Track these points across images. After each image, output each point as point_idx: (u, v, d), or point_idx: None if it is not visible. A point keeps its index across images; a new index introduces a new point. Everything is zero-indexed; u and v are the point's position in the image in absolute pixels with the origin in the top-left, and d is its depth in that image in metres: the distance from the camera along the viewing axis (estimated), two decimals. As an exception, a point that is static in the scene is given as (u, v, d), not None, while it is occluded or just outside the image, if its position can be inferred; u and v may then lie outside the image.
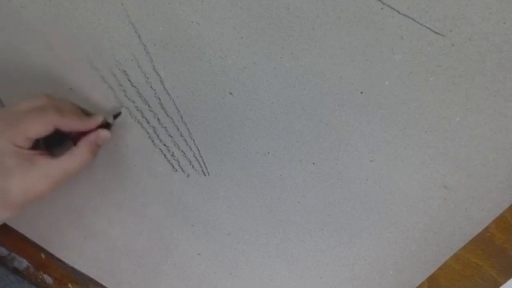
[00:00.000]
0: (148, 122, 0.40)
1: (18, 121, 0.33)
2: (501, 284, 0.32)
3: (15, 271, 0.58)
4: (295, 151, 0.35)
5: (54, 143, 0.39)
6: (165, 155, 0.41)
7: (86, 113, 0.41)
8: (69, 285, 0.56)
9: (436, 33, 0.25)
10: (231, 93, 0.34)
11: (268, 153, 0.36)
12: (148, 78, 0.37)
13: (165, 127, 0.39)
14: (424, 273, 0.35)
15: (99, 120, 0.39)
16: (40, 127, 0.34)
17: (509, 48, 0.24)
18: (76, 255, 0.55)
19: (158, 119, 0.39)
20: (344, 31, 0.28)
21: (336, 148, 0.33)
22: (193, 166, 0.40)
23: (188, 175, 0.41)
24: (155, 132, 0.40)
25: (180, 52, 0.34)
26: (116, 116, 0.40)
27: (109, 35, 0.36)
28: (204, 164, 0.40)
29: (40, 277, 0.57)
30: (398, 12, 0.26)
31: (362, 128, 0.31)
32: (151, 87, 0.37)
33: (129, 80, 0.38)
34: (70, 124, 0.36)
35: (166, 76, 0.36)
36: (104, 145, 0.44)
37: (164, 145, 0.40)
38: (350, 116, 0.31)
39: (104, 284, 0.55)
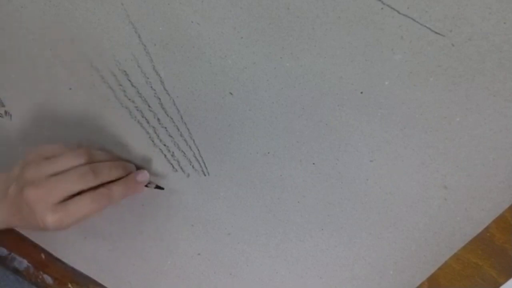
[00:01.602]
0: (148, 122, 0.40)
1: (58, 186, 0.36)
2: (501, 284, 0.32)
3: (15, 271, 0.58)
4: (295, 151, 0.35)
5: None
6: (165, 155, 0.41)
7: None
8: (69, 285, 0.56)
9: (436, 33, 0.25)
10: (231, 93, 0.34)
11: (268, 153, 0.36)
12: (148, 78, 0.37)
13: (165, 127, 0.39)
14: (424, 273, 0.35)
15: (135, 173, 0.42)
16: (80, 186, 0.37)
17: (509, 48, 0.24)
18: (76, 255, 0.55)
19: (158, 119, 0.39)
20: (344, 31, 0.28)
21: (336, 148, 0.33)
22: (193, 166, 0.40)
23: (188, 175, 0.41)
24: (155, 132, 0.40)
25: (180, 52, 0.34)
26: (157, 187, 0.42)
27: (109, 35, 0.36)
28: (204, 164, 0.40)
29: (40, 277, 0.57)
30: (398, 12, 0.26)
31: (362, 128, 0.31)
32: (151, 87, 0.37)
33: (129, 80, 0.38)
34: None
35: (166, 76, 0.36)
36: (103, 144, 0.44)
37: (164, 145, 0.40)
38: (350, 116, 0.31)
39: (104, 284, 0.55)
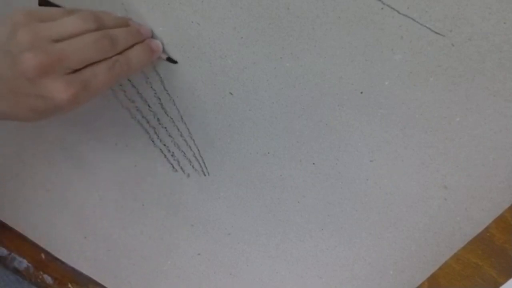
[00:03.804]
0: (148, 122, 0.40)
1: (70, 52, 0.29)
2: (501, 284, 0.32)
3: (15, 271, 0.58)
4: (295, 151, 0.35)
5: None
6: (165, 155, 0.41)
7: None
8: (69, 285, 0.56)
9: (436, 33, 0.25)
10: (231, 93, 0.34)
11: (268, 153, 0.36)
12: (148, 78, 0.37)
13: (165, 127, 0.39)
14: (424, 273, 0.35)
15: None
16: (96, 55, 0.30)
17: (509, 48, 0.24)
18: (76, 255, 0.55)
19: (158, 119, 0.39)
20: (344, 31, 0.28)
21: (336, 148, 0.33)
22: (193, 166, 0.40)
23: (188, 175, 0.41)
24: (155, 132, 0.40)
25: (180, 52, 0.34)
26: (169, 59, 0.36)
27: (109, 35, 0.36)
28: (204, 164, 0.40)
29: (40, 277, 0.57)
30: (398, 12, 0.26)
31: (362, 128, 0.31)
32: (151, 87, 0.37)
33: (129, 80, 0.38)
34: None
35: (166, 76, 0.36)
36: (103, 144, 0.44)
37: (164, 145, 0.40)
38: (350, 116, 0.31)
39: (104, 284, 0.55)
